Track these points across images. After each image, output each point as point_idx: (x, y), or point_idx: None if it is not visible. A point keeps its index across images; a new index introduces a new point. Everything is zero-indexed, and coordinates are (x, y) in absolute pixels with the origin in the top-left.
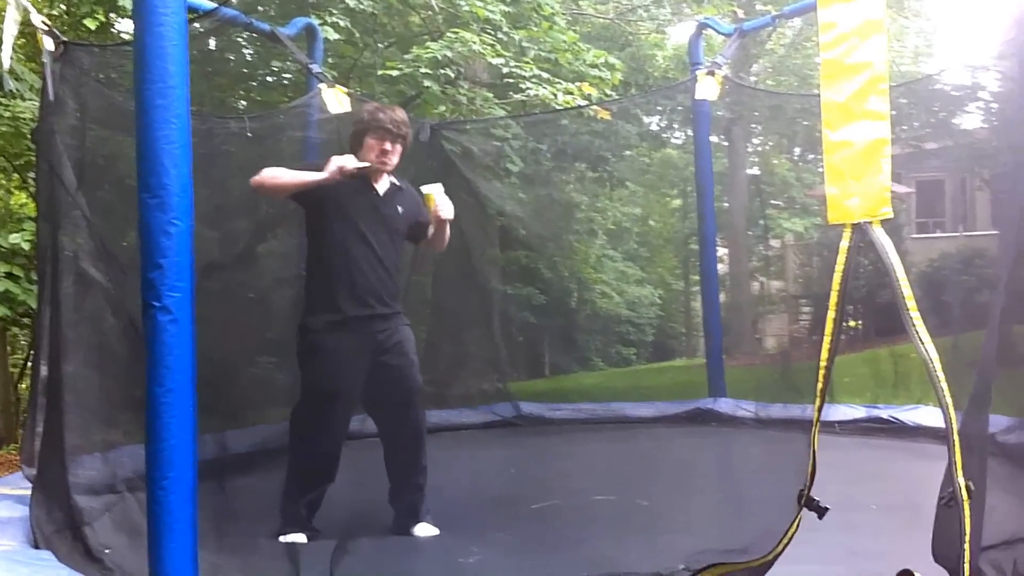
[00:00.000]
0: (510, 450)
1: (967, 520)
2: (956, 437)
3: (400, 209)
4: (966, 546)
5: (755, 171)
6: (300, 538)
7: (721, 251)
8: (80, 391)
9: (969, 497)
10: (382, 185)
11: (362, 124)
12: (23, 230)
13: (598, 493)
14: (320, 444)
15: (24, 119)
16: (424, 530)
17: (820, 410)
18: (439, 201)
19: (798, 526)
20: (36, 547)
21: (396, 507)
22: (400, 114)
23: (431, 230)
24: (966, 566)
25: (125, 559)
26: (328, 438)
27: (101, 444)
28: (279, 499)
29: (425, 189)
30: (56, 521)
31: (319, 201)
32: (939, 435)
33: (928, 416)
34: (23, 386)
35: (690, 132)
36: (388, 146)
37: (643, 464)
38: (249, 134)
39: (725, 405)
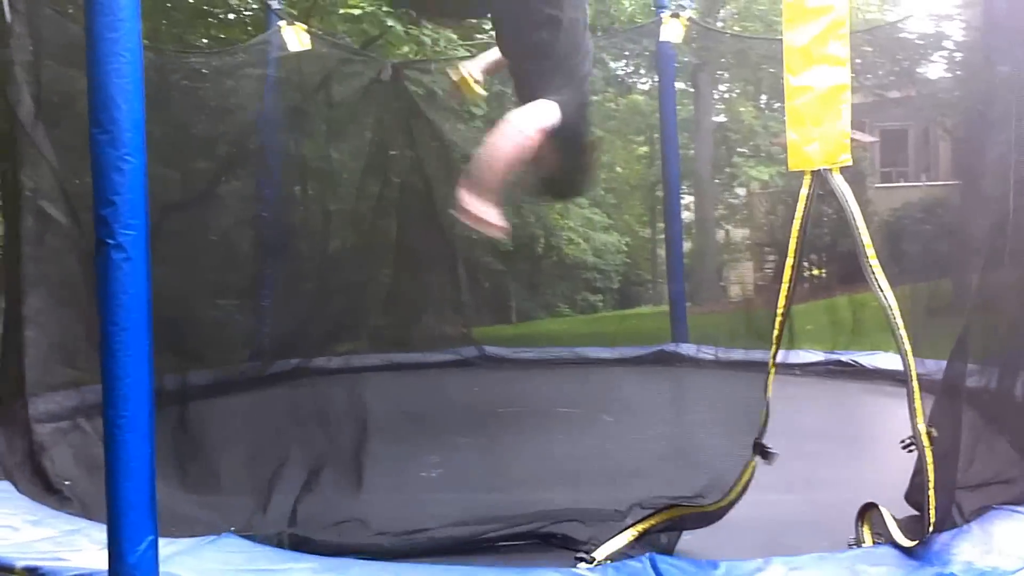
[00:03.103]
0: (470, 384)
1: (930, 465)
2: (915, 384)
3: None
4: (930, 491)
5: (721, 119)
6: None
7: (687, 199)
8: (41, 327)
9: (931, 443)
10: None
11: None
12: None
13: (556, 428)
14: None
15: None
16: None
17: (775, 356)
18: None
19: (752, 474)
20: None
21: None
22: None
23: None
24: (931, 511)
25: (84, 491)
26: None
27: (62, 381)
28: None
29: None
30: (16, 453)
31: None
32: (897, 378)
33: (886, 360)
34: None
35: (656, 78)
36: None
37: (601, 401)
38: (204, 71)
39: (687, 349)
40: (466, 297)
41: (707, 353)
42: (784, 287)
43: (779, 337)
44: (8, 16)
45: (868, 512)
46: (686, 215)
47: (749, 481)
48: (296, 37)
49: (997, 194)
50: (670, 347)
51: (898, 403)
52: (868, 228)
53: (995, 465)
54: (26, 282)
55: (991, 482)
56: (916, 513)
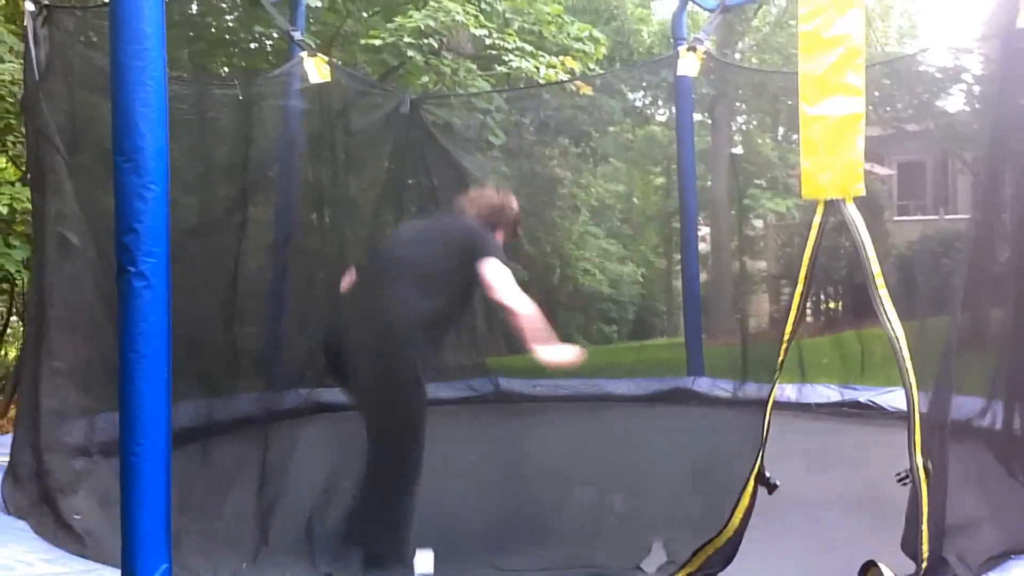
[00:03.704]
0: (487, 428)
1: (924, 500)
2: (917, 417)
3: None
4: (923, 527)
5: (738, 150)
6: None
7: (703, 230)
8: (59, 356)
9: (927, 477)
10: None
11: (505, 215)
12: (0, 194)
13: (575, 478)
14: None
15: (2, 81)
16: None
17: (775, 384)
18: None
19: (752, 500)
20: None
21: None
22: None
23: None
24: (924, 547)
25: (96, 526)
26: None
27: (78, 410)
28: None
29: None
30: (32, 492)
31: None
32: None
33: (902, 400)
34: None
35: (674, 109)
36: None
37: (619, 447)
38: (241, 97)
39: (703, 384)
40: (481, 326)
41: (724, 389)
42: (792, 315)
43: (783, 363)
44: (35, 53)
45: (870, 571)
46: (702, 246)
47: (751, 507)
48: (317, 69)
49: (1016, 228)
50: (686, 382)
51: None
52: (885, 261)
53: (996, 503)
54: (47, 311)
55: (989, 518)
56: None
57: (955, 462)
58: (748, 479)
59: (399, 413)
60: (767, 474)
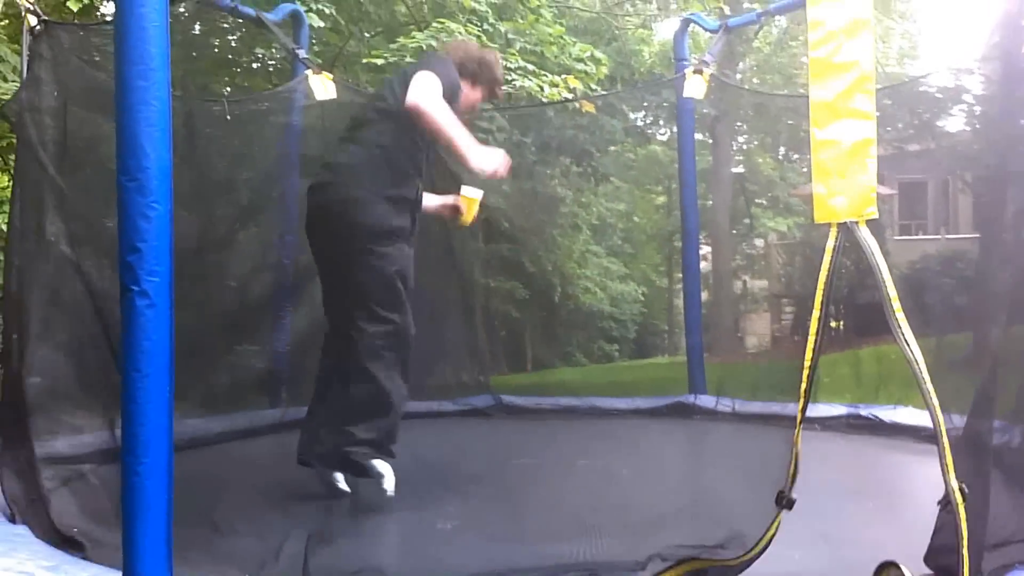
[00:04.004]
0: (487, 435)
1: (963, 524)
2: (945, 440)
3: None
4: (964, 551)
5: (740, 169)
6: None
7: (705, 249)
8: (52, 373)
9: (964, 500)
10: None
11: (486, 70)
12: (3, 212)
13: (574, 478)
14: None
15: (5, 101)
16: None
17: (804, 411)
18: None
19: (777, 528)
20: (12, 522)
21: None
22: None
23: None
24: (965, 570)
25: (95, 538)
26: None
27: (70, 427)
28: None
29: (470, 193)
30: (29, 498)
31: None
32: (920, 434)
33: (908, 416)
34: None
35: (675, 129)
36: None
37: (619, 453)
38: (228, 117)
39: (705, 401)
40: (482, 345)
41: (725, 406)
42: (811, 340)
43: (807, 391)
44: (30, 68)
45: (886, 570)
46: (704, 265)
47: (773, 536)
48: (323, 86)
49: (1017, 247)
50: (688, 399)
51: (918, 460)
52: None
53: (1017, 523)
54: (39, 328)
55: (1012, 541)
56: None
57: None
58: (778, 512)
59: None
60: (793, 495)
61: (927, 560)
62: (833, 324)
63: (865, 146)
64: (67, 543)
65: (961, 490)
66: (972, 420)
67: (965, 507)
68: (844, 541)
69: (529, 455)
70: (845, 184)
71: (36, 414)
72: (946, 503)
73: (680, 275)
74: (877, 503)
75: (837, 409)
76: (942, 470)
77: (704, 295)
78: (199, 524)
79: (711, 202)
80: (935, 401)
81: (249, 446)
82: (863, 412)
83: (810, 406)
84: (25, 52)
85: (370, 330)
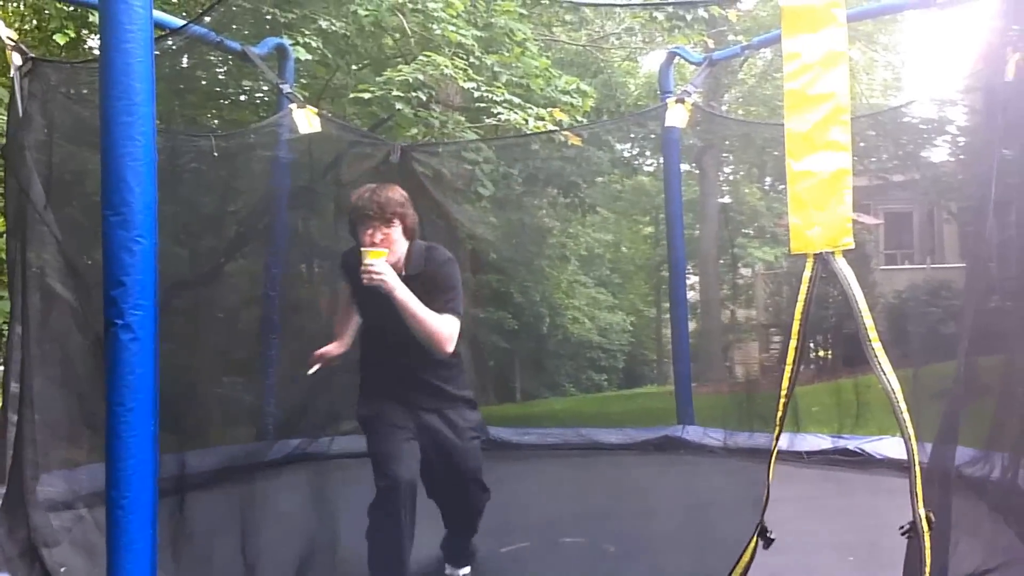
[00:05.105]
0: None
1: (927, 552)
2: (917, 468)
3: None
4: None
5: (726, 199)
6: None
7: (692, 279)
8: (44, 408)
9: (930, 528)
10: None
11: (352, 214)
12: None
13: (565, 528)
14: None
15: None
16: None
17: (778, 439)
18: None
19: (752, 555)
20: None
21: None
22: (385, 194)
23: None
24: None
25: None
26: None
27: (64, 462)
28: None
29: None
30: (19, 543)
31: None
32: (903, 467)
33: (892, 447)
34: None
35: (662, 160)
36: (377, 235)
37: (609, 495)
38: (215, 153)
39: (693, 433)
40: (471, 376)
41: (714, 438)
42: (787, 369)
43: (782, 419)
44: (20, 105)
45: None
46: (691, 295)
47: (750, 563)
48: (307, 120)
49: (1002, 277)
50: (676, 431)
51: (901, 495)
52: (873, 310)
53: (998, 555)
54: (31, 363)
55: (991, 570)
56: None
57: (955, 512)
58: (752, 537)
59: None
60: (768, 531)
61: None
62: (821, 353)
63: (841, 177)
64: None
65: (928, 519)
66: (935, 449)
67: (930, 535)
68: None
69: (516, 504)
70: (821, 215)
71: (30, 450)
72: (910, 531)
73: (668, 305)
74: (857, 547)
75: (824, 442)
76: (911, 498)
77: (692, 325)
78: (185, 558)
79: (698, 232)
80: (911, 431)
81: (236, 479)
82: (849, 445)
83: (795, 436)
84: (17, 90)
85: None
